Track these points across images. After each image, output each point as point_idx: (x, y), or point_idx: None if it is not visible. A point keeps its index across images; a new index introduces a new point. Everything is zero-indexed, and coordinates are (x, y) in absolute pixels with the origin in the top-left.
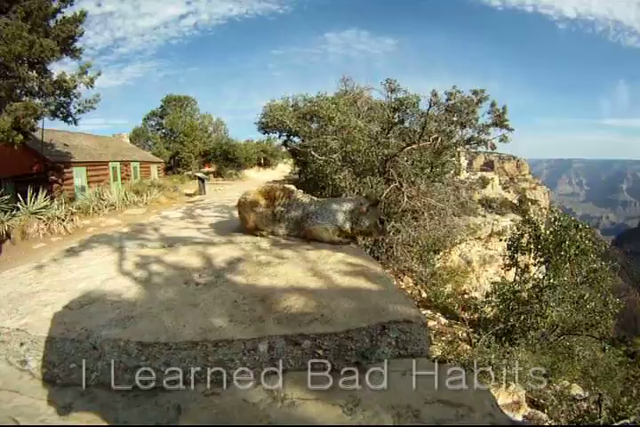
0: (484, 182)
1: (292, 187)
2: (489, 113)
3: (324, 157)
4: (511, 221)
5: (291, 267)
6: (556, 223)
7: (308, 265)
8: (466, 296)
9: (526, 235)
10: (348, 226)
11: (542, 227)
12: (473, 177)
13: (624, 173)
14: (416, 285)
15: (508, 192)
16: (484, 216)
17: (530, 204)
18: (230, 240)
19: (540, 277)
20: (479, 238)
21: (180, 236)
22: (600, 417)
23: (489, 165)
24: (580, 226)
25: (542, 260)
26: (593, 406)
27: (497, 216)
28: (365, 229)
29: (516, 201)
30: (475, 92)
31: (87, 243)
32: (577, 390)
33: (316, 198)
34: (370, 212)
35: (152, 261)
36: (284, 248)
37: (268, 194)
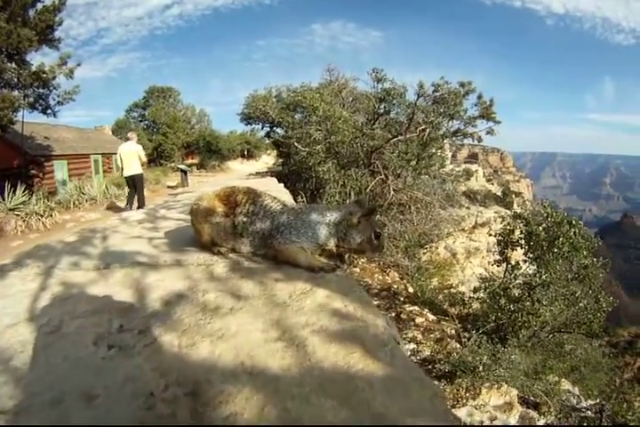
0: (468, 174)
1: (259, 189)
2: (476, 105)
3: (307, 149)
4: (495, 213)
5: (247, 318)
6: (549, 219)
7: (274, 314)
8: (453, 290)
9: (517, 231)
10: (332, 243)
11: (532, 222)
12: (457, 169)
13: (607, 168)
14: (402, 279)
15: (492, 184)
16: (468, 208)
17: (514, 196)
18: (179, 261)
19: (530, 273)
20: (463, 230)
21: (124, 250)
22: None
23: (473, 158)
24: (574, 222)
25: (534, 256)
26: (594, 416)
27: (481, 208)
28: (356, 247)
29: (499, 193)
30: (462, 84)
31: (22, 259)
32: (566, 385)
33: (290, 205)
34: (362, 224)
35: (74, 293)
36: (245, 277)
37: (227, 199)
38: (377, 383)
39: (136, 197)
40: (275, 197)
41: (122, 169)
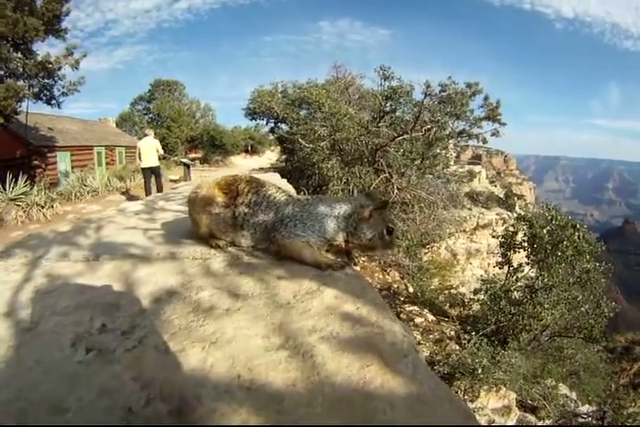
0: (471, 176)
1: (262, 179)
2: (482, 106)
3: (311, 145)
4: (497, 214)
5: (245, 321)
6: (553, 222)
7: (276, 317)
8: (453, 291)
9: (520, 233)
10: (340, 238)
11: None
12: (461, 170)
13: (610, 173)
14: (402, 279)
15: (495, 186)
16: (470, 209)
17: (516, 198)
18: (173, 253)
19: (532, 275)
20: (464, 231)
21: (116, 241)
22: None
23: (477, 159)
24: (578, 226)
25: (536, 259)
26: (594, 422)
27: (483, 210)
28: (367, 243)
29: (502, 195)
30: (469, 85)
31: (11, 248)
32: (563, 389)
33: (295, 196)
34: (374, 218)
35: (58, 286)
36: (244, 274)
37: (228, 187)
38: (399, 403)
39: (154, 185)
40: (279, 188)
41: (140, 161)
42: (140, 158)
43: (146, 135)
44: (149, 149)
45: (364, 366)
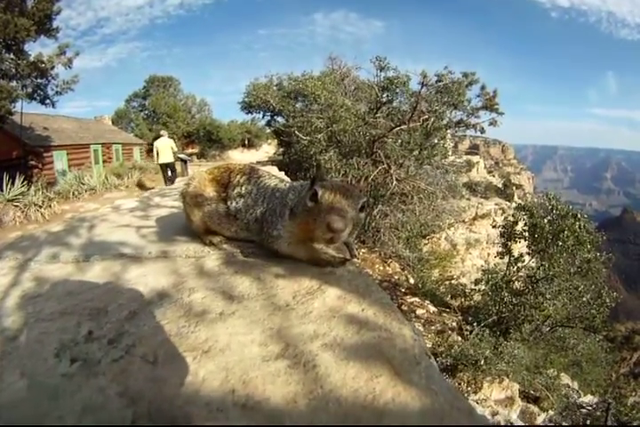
0: (469, 166)
1: (258, 166)
2: (478, 96)
3: (308, 138)
4: (495, 204)
5: (241, 326)
6: (554, 211)
7: (275, 321)
8: (454, 282)
9: (521, 223)
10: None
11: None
12: (459, 160)
13: (609, 162)
14: (403, 270)
15: (493, 176)
16: (469, 199)
17: (514, 188)
18: (165, 252)
19: (533, 266)
20: (463, 221)
21: (108, 240)
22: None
23: (474, 149)
24: (579, 215)
25: (537, 249)
26: (598, 413)
27: (481, 200)
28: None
29: (500, 185)
30: (465, 75)
31: (2, 250)
32: (565, 379)
33: (294, 183)
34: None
35: (45, 290)
36: (240, 273)
37: (221, 178)
38: (413, 420)
39: (170, 176)
40: (273, 175)
41: (157, 158)
42: (157, 156)
43: (161, 136)
44: (165, 148)
45: (373, 378)
